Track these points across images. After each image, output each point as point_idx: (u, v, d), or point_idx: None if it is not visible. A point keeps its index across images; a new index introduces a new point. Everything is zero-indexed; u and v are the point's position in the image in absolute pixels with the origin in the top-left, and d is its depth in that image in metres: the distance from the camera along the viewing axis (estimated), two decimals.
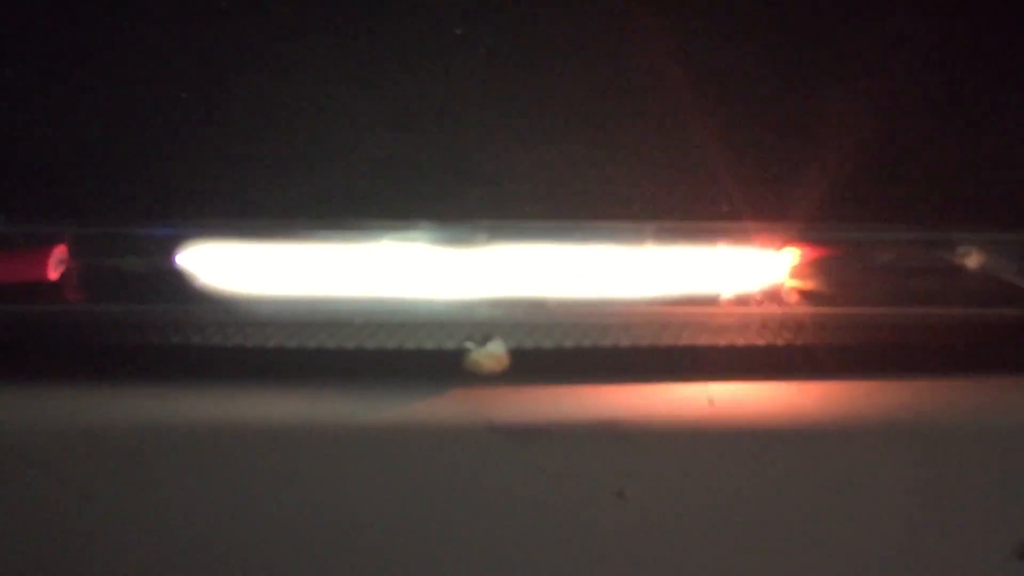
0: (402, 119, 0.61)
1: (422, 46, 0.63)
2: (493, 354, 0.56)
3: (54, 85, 0.61)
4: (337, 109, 0.61)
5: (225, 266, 0.55)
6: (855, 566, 0.59)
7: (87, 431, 0.54)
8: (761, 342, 0.58)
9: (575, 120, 0.63)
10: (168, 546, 0.55)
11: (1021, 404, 0.58)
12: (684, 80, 0.64)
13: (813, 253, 0.58)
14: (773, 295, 0.58)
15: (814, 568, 0.59)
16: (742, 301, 0.57)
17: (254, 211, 0.57)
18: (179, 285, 0.55)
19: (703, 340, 0.58)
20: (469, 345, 0.57)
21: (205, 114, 0.61)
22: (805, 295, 0.59)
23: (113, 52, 0.62)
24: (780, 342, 0.58)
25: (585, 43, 0.66)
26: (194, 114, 0.61)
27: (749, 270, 0.57)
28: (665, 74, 0.64)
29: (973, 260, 0.60)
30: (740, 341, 0.58)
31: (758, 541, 0.59)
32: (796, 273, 0.58)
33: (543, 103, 0.63)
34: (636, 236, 0.56)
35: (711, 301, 0.58)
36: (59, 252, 0.55)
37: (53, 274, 0.55)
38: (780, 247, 0.58)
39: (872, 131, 0.62)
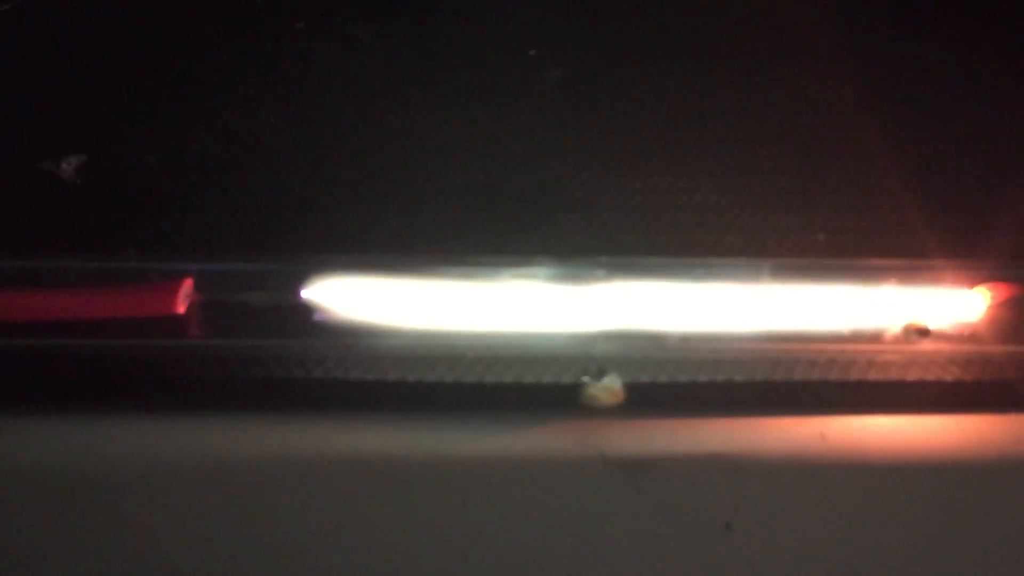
0: (524, 159, 0.63)
1: (541, 86, 0.64)
2: (609, 388, 0.57)
3: (186, 126, 0.64)
4: (462, 149, 0.63)
5: (347, 300, 0.56)
6: None
7: (214, 462, 0.55)
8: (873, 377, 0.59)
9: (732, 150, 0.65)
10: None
11: None
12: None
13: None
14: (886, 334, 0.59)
15: None
16: (857, 337, 0.58)
17: (377, 247, 0.59)
18: (302, 319, 0.56)
19: (815, 375, 0.58)
20: (586, 379, 0.57)
21: (329, 152, 0.62)
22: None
23: (243, 89, 0.65)
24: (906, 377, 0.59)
25: (721, 66, 0.68)
26: (318, 152, 0.62)
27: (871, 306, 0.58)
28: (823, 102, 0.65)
29: None
30: (854, 376, 0.58)
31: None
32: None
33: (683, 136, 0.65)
34: (755, 273, 0.57)
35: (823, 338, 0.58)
36: (187, 287, 0.56)
37: (181, 308, 0.56)
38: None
39: None
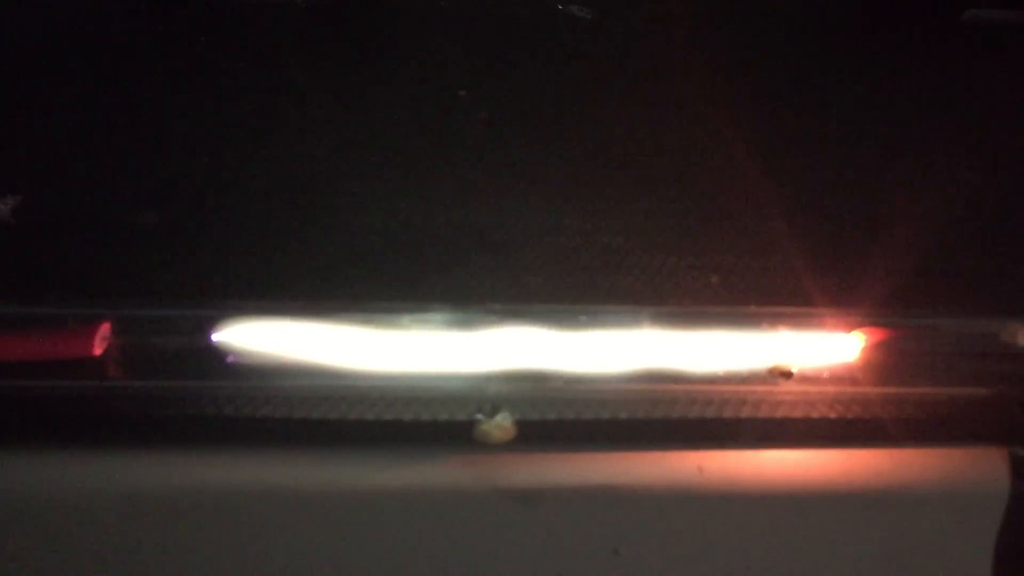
0: (439, 202, 0.67)
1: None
2: (501, 425, 0.61)
3: (101, 169, 0.67)
4: (374, 194, 0.67)
5: (257, 343, 0.60)
6: None
7: (129, 495, 0.58)
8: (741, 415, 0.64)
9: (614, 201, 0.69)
10: None
11: None
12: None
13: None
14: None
15: None
16: (729, 379, 0.62)
17: (285, 292, 0.62)
18: (214, 361, 0.60)
19: (693, 413, 0.63)
20: (479, 417, 0.61)
21: (243, 201, 0.66)
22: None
23: (159, 138, 0.68)
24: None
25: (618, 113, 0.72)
26: (233, 200, 0.66)
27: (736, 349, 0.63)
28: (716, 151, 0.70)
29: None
30: (728, 414, 0.63)
31: None
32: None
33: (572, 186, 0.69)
34: (638, 319, 0.62)
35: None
36: (103, 330, 0.60)
37: (97, 350, 0.59)
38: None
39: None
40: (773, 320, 0.63)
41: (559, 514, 0.62)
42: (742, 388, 0.62)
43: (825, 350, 0.63)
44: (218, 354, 0.60)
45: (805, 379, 0.62)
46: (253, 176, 0.67)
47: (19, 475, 0.58)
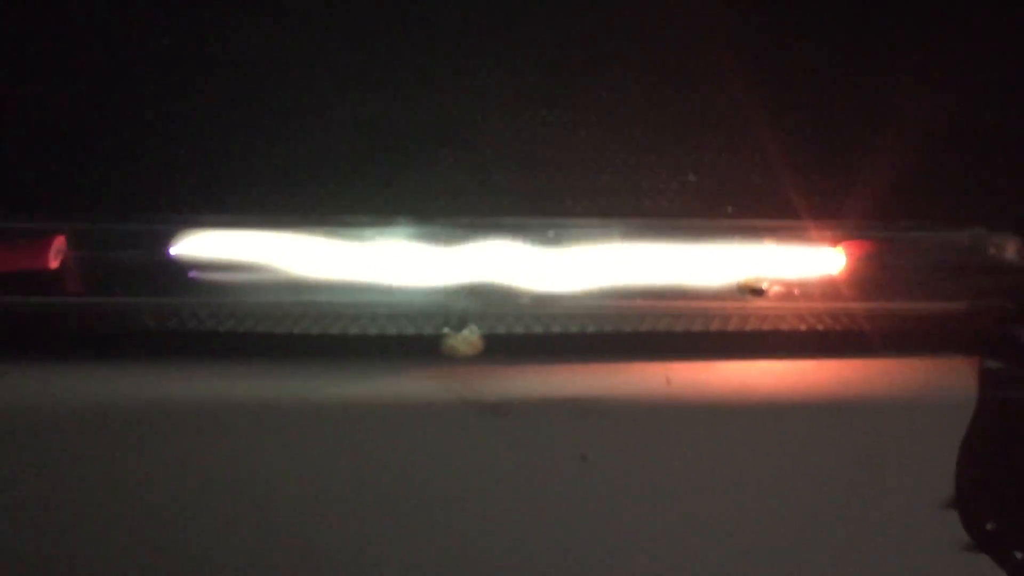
0: (392, 123, 0.64)
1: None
2: (468, 339, 0.61)
3: (55, 83, 0.64)
4: (329, 108, 0.64)
5: (218, 257, 0.59)
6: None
7: (90, 409, 0.58)
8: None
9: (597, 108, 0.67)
10: (166, 516, 0.60)
11: None
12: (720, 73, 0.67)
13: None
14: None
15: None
16: (700, 294, 0.62)
17: (243, 204, 0.61)
18: (173, 275, 0.59)
19: (661, 327, 0.63)
20: (446, 331, 0.61)
21: (198, 111, 0.63)
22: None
23: (111, 50, 0.64)
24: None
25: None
26: (187, 111, 0.63)
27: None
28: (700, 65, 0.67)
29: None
30: (697, 329, 0.62)
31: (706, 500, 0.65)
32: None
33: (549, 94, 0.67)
34: (608, 232, 0.60)
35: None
36: (59, 243, 0.58)
37: (53, 263, 0.58)
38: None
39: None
40: (748, 232, 0.62)
41: (527, 424, 0.61)
42: (713, 304, 0.61)
43: (798, 264, 0.62)
44: (176, 268, 0.59)
45: (777, 295, 0.61)
46: (209, 81, 0.64)
47: None
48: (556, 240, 0.60)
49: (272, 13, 0.68)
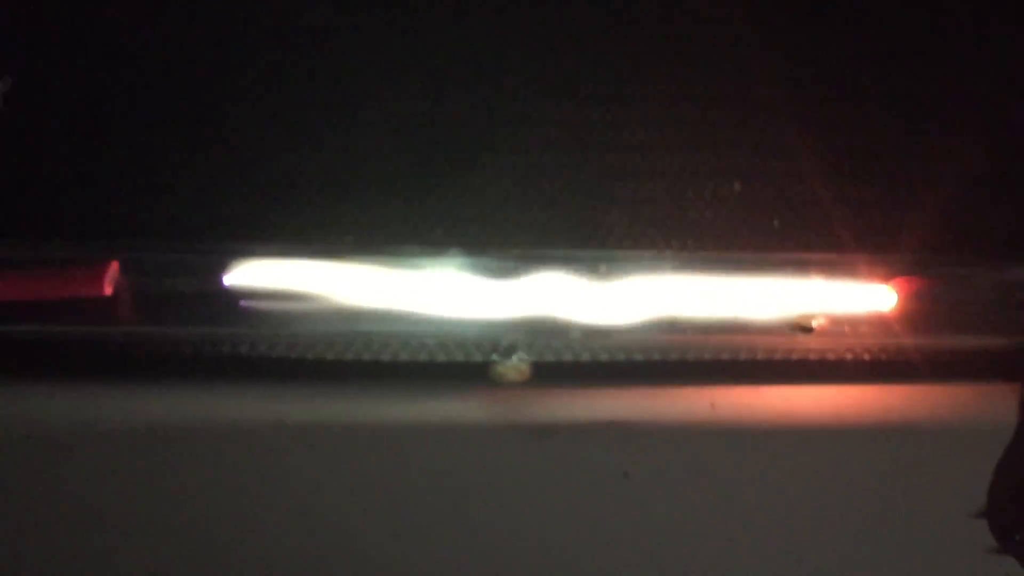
0: (441, 155, 0.64)
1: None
2: (516, 367, 0.61)
3: (108, 113, 0.63)
4: (383, 139, 0.64)
5: (269, 285, 0.59)
6: None
7: (135, 430, 0.58)
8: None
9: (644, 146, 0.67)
10: (222, 537, 0.61)
11: None
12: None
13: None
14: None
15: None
16: (748, 329, 0.62)
17: (298, 233, 0.61)
18: (226, 304, 0.59)
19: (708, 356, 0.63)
20: (495, 358, 0.61)
21: (252, 140, 0.63)
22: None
23: (167, 79, 0.64)
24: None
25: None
26: (241, 140, 0.63)
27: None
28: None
29: None
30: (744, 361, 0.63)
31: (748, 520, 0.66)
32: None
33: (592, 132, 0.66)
34: (661, 265, 0.61)
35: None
36: (113, 270, 0.58)
37: (107, 290, 0.58)
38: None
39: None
40: (799, 266, 0.62)
41: (571, 446, 0.62)
42: (762, 339, 0.62)
43: (849, 299, 0.62)
44: (231, 297, 0.59)
45: (826, 331, 0.61)
46: (263, 111, 0.64)
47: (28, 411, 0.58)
48: (607, 273, 0.60)
49: (326, 49, 0.67)
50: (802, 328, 0.61)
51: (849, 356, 0.63)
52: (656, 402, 0.63)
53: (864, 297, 0.62)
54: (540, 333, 0.60)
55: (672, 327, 0.61)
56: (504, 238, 0.62)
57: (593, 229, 0.64)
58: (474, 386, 0.61)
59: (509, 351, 0.61)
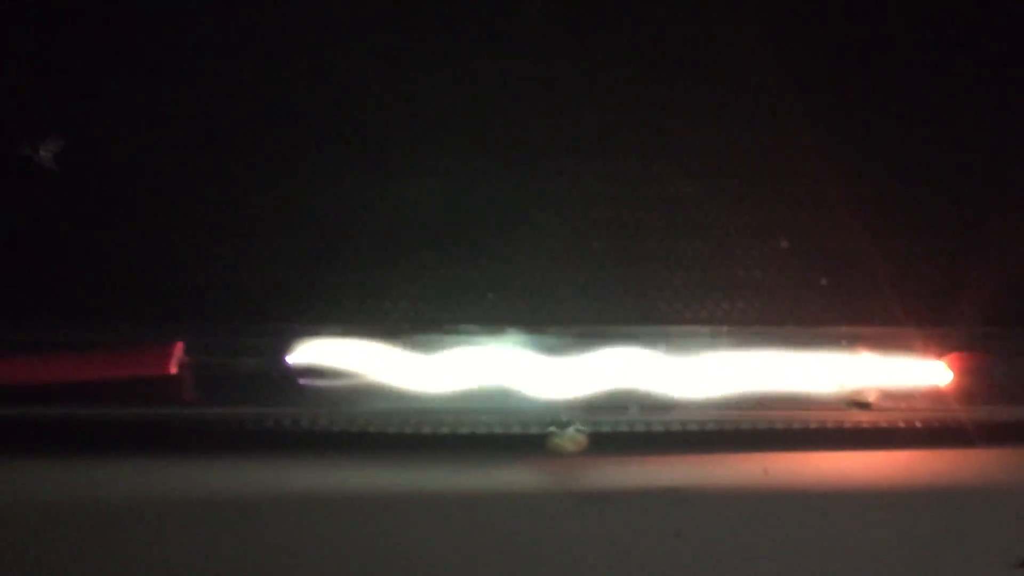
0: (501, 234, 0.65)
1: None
2: (573, 438, 0.62)
3: (174, 196, 0.64)
4: (436, 221, 0.64)
5: (330, 366, 0.60)
6: None
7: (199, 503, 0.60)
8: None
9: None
10: None
11: None
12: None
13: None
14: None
15: None
16: (803, 404, 0.62)
17: (359, 314, 0.61)
18: (289, 384, 0.60)
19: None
20: (552, 429, 0.62)
21: (313, 224, 0.64)
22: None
23: (231, 158, 0.65)
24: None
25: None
26: (302, 224, 0.64)
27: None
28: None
29: None
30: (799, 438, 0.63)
31: None
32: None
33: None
34: (716, 340, 0.61)
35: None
36: (178, 350, 0.59)
37: (173, 369, 0.59)
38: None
39: None
40: (854, 341, 0.62)
41: (627, 512, 0.63)
42: (818, 414, 0.62)
43: (904, 374, 0.62)
44: (293, 376, 0.60)
45: (881, 405, 0.62)
46: (321, 195, 0.65)
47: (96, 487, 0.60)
48: (658, 347, 0.61)
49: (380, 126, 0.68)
50: (858, 404, 0.61)
51: (903, 425, 0.63)
52: (711, 469, 0.64)
53: (919, 372, 0.62)
54: (595, 407, 0.61)
55: (728, 404, 0.61)
56: (561, 316, 0.63)
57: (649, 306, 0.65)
58: (533, 457, 0.62)
59: (565, 423, 0.62)
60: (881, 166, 0.71)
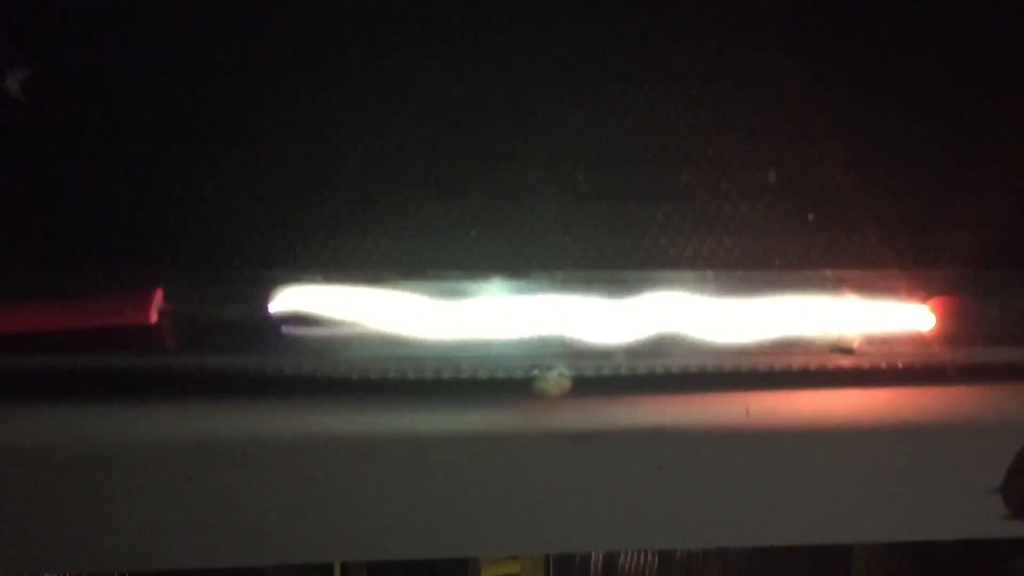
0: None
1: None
2: (558, 381, 0.62)
3: (152, 139, 0.62)
4: (425, 168, 0.63)
5: (315, 312, 0.59)
6: None
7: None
8: None
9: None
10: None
11: None
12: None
13: None
14: None
15: None
16: (786, 349, 0.62)
17: (338, 260, 0.61)
18: (271, 331, 0.59)
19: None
20: (535, 372, 0.62)
21: (293, 167, 0.62)
22: None
23: (211, 104, 0.63)
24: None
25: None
26: (283, 167, 0.62)
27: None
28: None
29: None
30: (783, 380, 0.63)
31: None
32: None
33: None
34: (701, 284, 0.61)
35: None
36: (157, 297, 0.59)
37: (152, 317, 0.59)
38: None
39: None
40: (838, 285, 0.62)
41: (608, 450, 0.64)
42: (799, 359, 0.62)
43: (887, 319, 0.62)
44: (276, 323, 0.59)
45: (865, 351, 0.62)
46: (303, 137, 0.63)
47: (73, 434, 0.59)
48: (643, 291, 0.61)
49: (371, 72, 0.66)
50: (842, 349, 0.62)
51: (884, 367, 0.64)
52: (693, 407, 0.64)
53: (902, 316, 0.62)
54: (580, 351, 0.61)
55: (712, 348, 0.61)
56: (543, 260, 0.62)
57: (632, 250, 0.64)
58: (517, 399, 0.62)
59: (550, 368, 0.62)
60: (869, 98, 0.70)
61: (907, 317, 0.62)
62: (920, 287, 0.62)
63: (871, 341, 0.62)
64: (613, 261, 0.63)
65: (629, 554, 1.05)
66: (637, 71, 0.71)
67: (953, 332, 0.62)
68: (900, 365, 0.63)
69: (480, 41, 0.70)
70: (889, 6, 0.72)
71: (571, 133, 0.68)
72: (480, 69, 0.69)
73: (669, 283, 0.61)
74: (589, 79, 0.70)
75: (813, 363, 0.63)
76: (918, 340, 0.62)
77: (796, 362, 0.62)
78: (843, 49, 0.71)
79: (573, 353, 0.61)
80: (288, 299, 0.59)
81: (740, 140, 0.69)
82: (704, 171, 0.68)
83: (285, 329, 0.59)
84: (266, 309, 0.59)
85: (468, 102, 0.68)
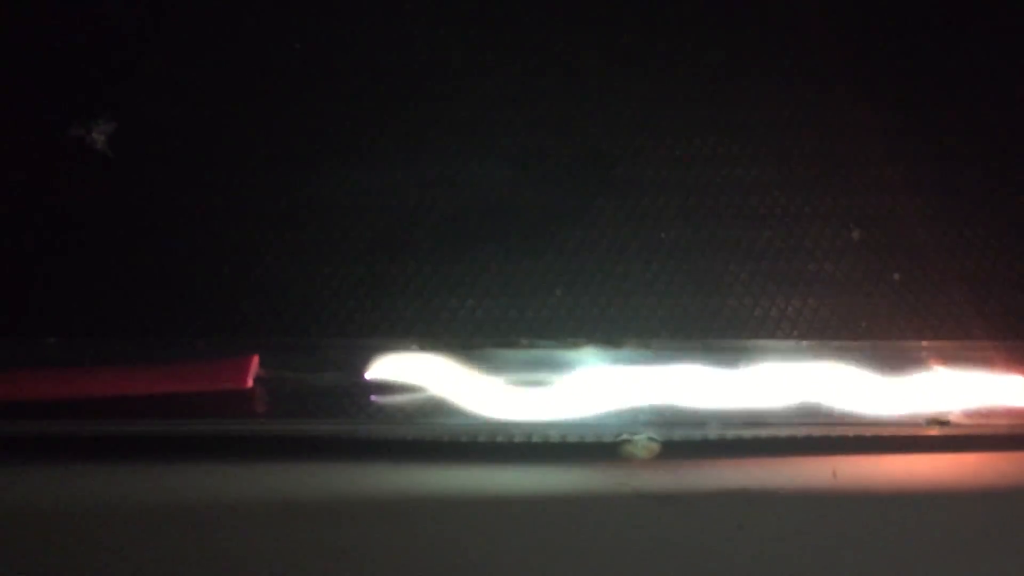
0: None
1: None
2: (647, 446, 0.62)
3: (248, 210, 0.63)
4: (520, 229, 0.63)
5: (408, 380, 0.60)
6: None
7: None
8: None
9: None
10: None
11: None
12: None
13: None
14: None
15: None
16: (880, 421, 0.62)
17: (434, 331, 0.61)
18: (363, 398, 0.60)
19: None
20: (624, 437, 0.62)
21: (389, 241, 0.63)
22: None
23: (302, 174, 0.63)
24: None
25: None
26: (378, 242, 0.63)
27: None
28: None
29: None
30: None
31: None
32: None
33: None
34: (795, 354, 0.60)
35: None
36: (254, 364, 0.59)
37: (248, 382, 0.59)
38: None
39: None
40: (933, 357, 0.61)
41: (692, 511, 0.64)
42: (895, 431, 0.62)
43: (984, 391, 0.61)
44: (366, 392, 0.60)
45: (961, 424, 0.61)
46: (401, 208, 0.63)
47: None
48: (742, 362, 0.60)
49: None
50: (939, 422, 0.61)
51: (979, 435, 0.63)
52: (779, 471, 0.64)
53: (1000, 388, 0.61)
54: (670, 420, 0.61)
55: (804, 416, 0.61)
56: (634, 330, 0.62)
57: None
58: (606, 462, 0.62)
59: (637, 433, 0.62)
60: (961, 164, 0.69)
61: (1005, 389, 0.61)
62: (1018, 359, 0.61)
63: (968, 415, 0.61)
64: (696, 321, 0.62)
65: None
66: (719, 125, 0.70)
67: None
68: (994, 433, 0.62)
69: (562, 96, 0.70)
70: (978, 64, 0.71)
71: (651, 189, 0.68)
72: (561, 122, 0.69)
73: (762, 353, 0.60)
74: (670, 132, 0.70)
75: (906, 434, 0.62)
76: (1016, 413, 0.61)
77: (889, 431, 0.62)
78: (928, 102, 0.70)
79: (663, 422, 0.61)
80: (380, 367, 0.60)
81: (822, 197, 0.68)
82: (787, 228, 0.67)
83: (375, 398, 0.60)
84: (360, 376, 0.60)
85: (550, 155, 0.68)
